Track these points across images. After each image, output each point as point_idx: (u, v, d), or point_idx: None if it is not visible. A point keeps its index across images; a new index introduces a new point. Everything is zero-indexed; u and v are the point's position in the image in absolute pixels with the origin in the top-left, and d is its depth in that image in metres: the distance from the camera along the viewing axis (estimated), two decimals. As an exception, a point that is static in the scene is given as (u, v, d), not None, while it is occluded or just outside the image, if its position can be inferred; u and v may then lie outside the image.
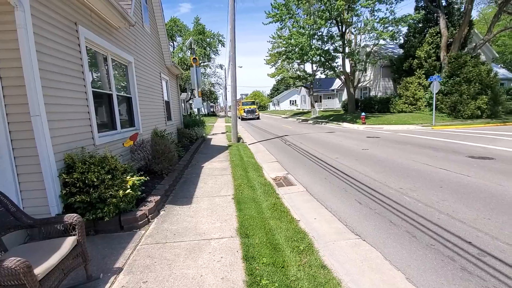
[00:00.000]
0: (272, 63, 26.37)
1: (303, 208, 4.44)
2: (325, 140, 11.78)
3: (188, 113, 27.29)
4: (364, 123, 17.43)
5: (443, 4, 20.63)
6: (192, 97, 37.29)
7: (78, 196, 3.19)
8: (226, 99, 46.12)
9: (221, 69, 44.32)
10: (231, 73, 10.86)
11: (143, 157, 5.73)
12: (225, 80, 43.28)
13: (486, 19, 28.00)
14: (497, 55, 29.49)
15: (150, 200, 4.09)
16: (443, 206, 4.11)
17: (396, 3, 19.12)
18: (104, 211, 3.30)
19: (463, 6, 19.89)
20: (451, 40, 19.69)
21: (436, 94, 15.89)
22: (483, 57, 21.79)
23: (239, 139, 11.83)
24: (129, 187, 3.64)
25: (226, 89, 44.26)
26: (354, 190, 5.11)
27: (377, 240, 3.32)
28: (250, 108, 32.24)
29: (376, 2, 18.69)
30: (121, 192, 3.43)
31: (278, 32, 22.09)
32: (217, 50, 38.79)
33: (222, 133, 16.17)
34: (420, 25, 21.90)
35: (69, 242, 2.15)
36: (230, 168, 6.79)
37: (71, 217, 2.28)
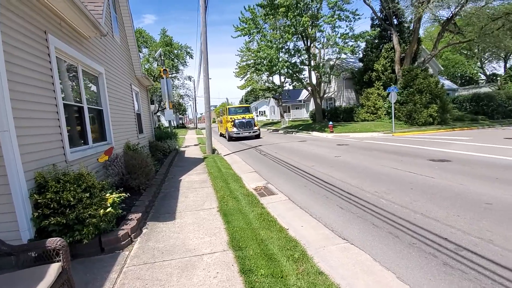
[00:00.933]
0: (241, 76, 26.78)
1: (288, 216, 4.47)
2: (298, 149, 12.11)
3: (157, 125, 26.37)
4: (332, 132, 18.26)
5: (395, 22, 22.79)
6: (159, 109, 36.18)
7: (52, 218, 2.89)
8: (196, 111, 45.49)
9: (190, 80, 43.91)
10: (204, 85, 10.80)
11: (117, 172, 5.39)
12: (195, 91, 42.85)
13: (431, 36, 31.41)
14: (442, 68, 33.08)
15: (131, 218, 3.85)
16: (416, 206, 4.42)
17: (354, 21, 20.67)
18: (83, 232, 3.03)
19: (412, 24, 22.14)
20: (403, 55, 21.69)
21: (394, 103, 17.28)
22: (431, 70, 24.25)
23: (214, 150, 11.69)
24: (109, 205, 3.40)
25: (195, 100, 43.70)
26: (334, 196, 5.29)
27: (364, 242, 3.45)
28: (244, 118, 18.14)
29: (337, 20, 20.06)
30: (101, 211, 3.18)
31: (246, 45, 22.58)
32: (185, 62, 38.39)
33: (195, 145, 15.84)
34: (376, 41, 23.88)
35: (54, 269, 1.94)
36: (209, 180, 6.65)
37: (54, 242, 2.07)
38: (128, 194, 4.15)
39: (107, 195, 3.53)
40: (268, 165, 8.86)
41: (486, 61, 40.65)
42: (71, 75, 4.61)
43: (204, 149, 12.35)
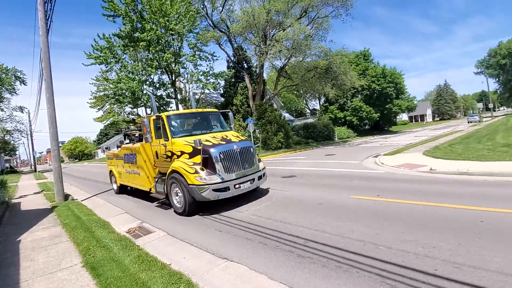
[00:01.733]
0: (98, 107, 23.44)
1: (169, 252, 4.42)
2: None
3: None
4: (203, 162, 18.96)
5: (246, 66, 27.23)
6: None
7: None
8: (33, 150, 35.27)
9: (22, 112, 34.03)
10: (49, 118, 8.91)
11: None
12: (30, 125, 33.43)
13: (272, 79, 39.38)
14: (282, 104, 41.92)
15: None
16: (277, 216, 5.44)
17: (213, 61, 23.17)
18: None
19: (258, 69, 27.18)
20: (255, 93, 26.04)
21: (252, 132, 20.19)
22: (275, 106, 30.16)
23: (67, 196, 9.55)
24: None
25: (32, 136, 34.02)
26: (212, 221, 5.65)
27: (241, 257, 3.93)
28: (231, 142, 6.31)
29: (198, 59, 21.84)
30: None
31: (103, 75, 20.48)
32: (14, 89, 29.65)
33: (36, 193, 12.30)
34: (233, 80, 27.54)
35: None
36: (65, 233, 5.49)
37: None
38: None
39: None
40: (140, 203, 8.22)
41: (308, 99, 55.06)
42: None
43: (51, 196, 9.88)
